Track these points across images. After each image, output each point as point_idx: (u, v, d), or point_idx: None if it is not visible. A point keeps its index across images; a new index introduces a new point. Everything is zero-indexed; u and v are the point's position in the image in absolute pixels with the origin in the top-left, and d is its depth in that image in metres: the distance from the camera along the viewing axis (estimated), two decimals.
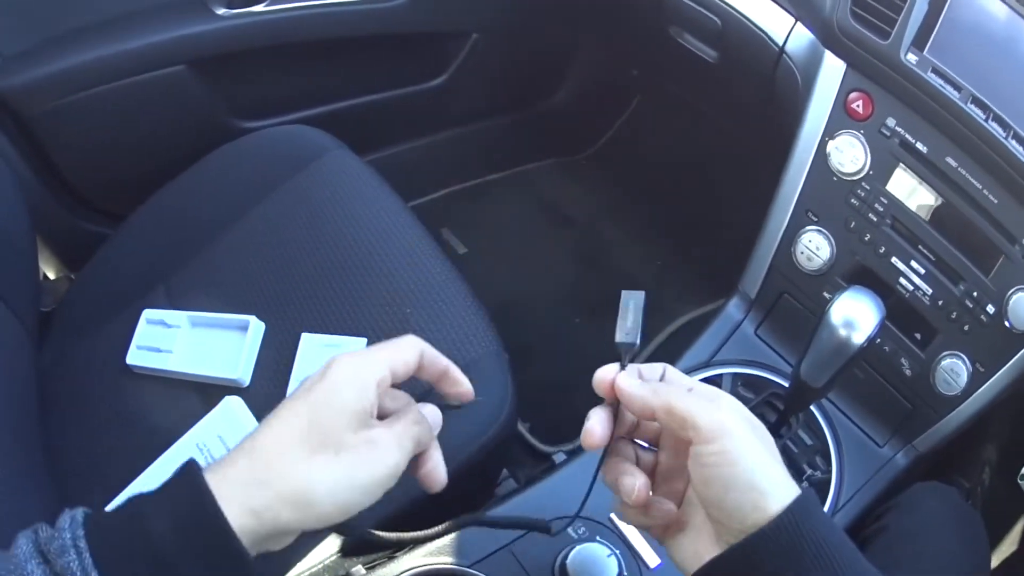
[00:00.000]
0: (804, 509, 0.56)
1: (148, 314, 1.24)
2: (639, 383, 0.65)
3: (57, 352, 1.34)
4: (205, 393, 1.17)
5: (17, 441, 1.11)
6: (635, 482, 0.64)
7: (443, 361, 0.68)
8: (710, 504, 0.59)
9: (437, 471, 0.67)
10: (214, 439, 1.09)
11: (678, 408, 0.60)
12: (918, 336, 1.12)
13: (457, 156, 2.17)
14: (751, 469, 0.57)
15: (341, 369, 0.60)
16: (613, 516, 0.95)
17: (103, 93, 1.48)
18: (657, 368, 0.69)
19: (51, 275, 1.67)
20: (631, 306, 0.69)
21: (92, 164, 1.60)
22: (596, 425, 0.65)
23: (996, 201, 0.99)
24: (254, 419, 1.10)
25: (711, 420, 0.58)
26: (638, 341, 0.67)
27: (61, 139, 1.53)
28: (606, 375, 0.66)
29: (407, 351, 0.64)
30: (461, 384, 0.69)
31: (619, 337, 0.68)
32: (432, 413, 0.67)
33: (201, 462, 1.02)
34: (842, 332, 0.91)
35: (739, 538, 0.57)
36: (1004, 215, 0.99)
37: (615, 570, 0.88)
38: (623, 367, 0.66)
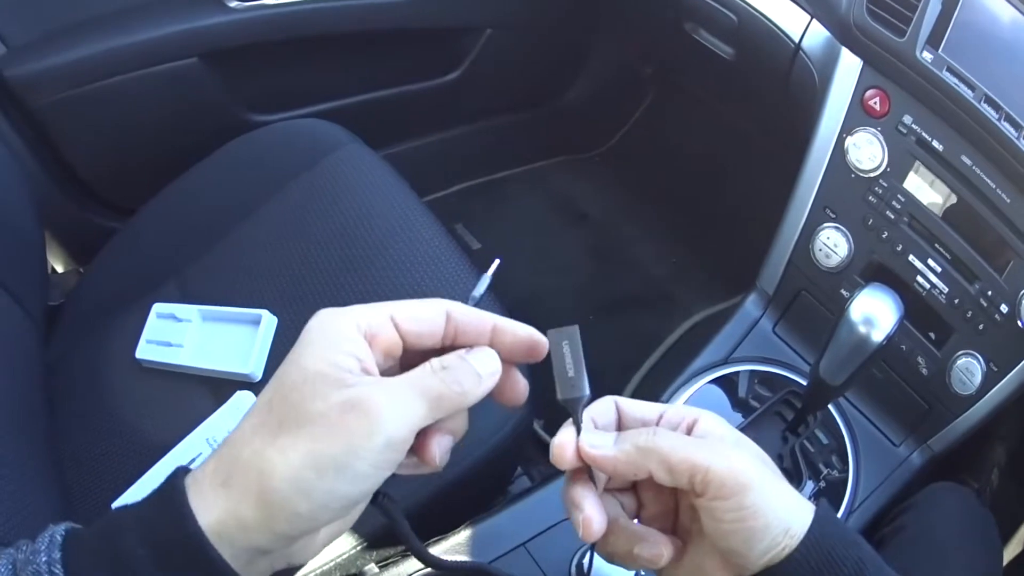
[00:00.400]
0: (827, 522, 0.53)
1: (158, 308, 1.23)
2: (612, 442, 0.54)
3: (65, 346, 1.33)
4: (216, 388, 1.16)
5: (23, 437, 1.10)
6: (581, 516, 0.54)
7: (487, 317, 0.54)
8: (728, 552, 0.53)
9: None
10: (224, 434, 1.07)
11: (680, 463, 0.51)
12: (934, 335, 1.11)
13: (471, 152, 2.16)
14: (778, 516, 0.51)
15: (314, 323, 0.51)
16: None
17: (113, 85, 1.48)
18: (620, 407, 0.58)
19: (60, 269, 1.66)
20: (566, 350, 0.55)
21: (102, 157, 1.59)
22: (567, 443, 0.54)
23: (1009, 200, 0.99)
24: None
25: (727, 471, 0.50)
26: (587, 391, 0.54)
27: (70, 132, 1.52)
28: (565, 445, 0.54)
29: (419, 304, 0.53)
30: (519, 334, 0.54)
31: (562, 394, 0.54)
32: (483, 359, 0.53)
33: None
34: (861, 329, 0.90)
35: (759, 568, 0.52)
36: (1016, 215, 0.99)
37: (631, 571, 0.87)
38: (578, 426, 0.54)
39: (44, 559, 0.46)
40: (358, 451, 0.47)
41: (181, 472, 0.49)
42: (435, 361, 0.51)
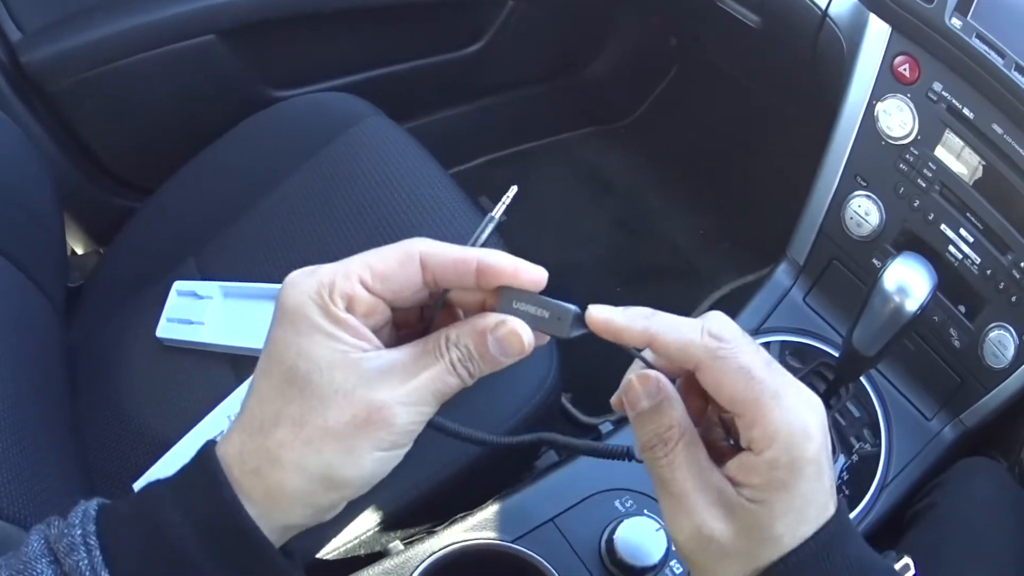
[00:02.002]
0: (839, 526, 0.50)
1: (179, 286, 1.23)
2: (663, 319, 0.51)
3: (86, 328, 1.33)
4: (237, 364, 1.15)
5: (44, 418, 1.10)
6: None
7: (469, 255, 0.49)
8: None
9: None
10: None
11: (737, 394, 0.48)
12: (967, 307, 1.10)
13: (494, 124, 2.15)
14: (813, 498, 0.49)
15: (290, 296, 0.48)
16: None
17: (130, 66, 1.47)
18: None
19: (79, 250, 1.66)
20: (523, 307, 0.50)
21: (120, 137, 1.59)
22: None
23: None
24: None
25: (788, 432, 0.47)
26: (571, 309, 0.50)
27: (87, 113, 1.52)
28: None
29: (385, 259, 0.49)
30: (505, 268, 0.50)
31: (562, 334, 0.51)
32: (511, 341, 0.50)
33: None
34: (895, 299, 0.89)
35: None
36: None
37: (663, 545, 0.86)
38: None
39: (79, 532, 0.46)
40: (385, 460, 0.48)
41: (211, 444, 0.49)
42: (454, 351, 0.50)
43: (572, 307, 0.50)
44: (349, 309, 0.48)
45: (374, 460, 0.48)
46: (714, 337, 0.49)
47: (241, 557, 0.47)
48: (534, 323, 0.50)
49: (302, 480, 0.47)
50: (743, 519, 0.49)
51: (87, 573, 0.45)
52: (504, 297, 0.50)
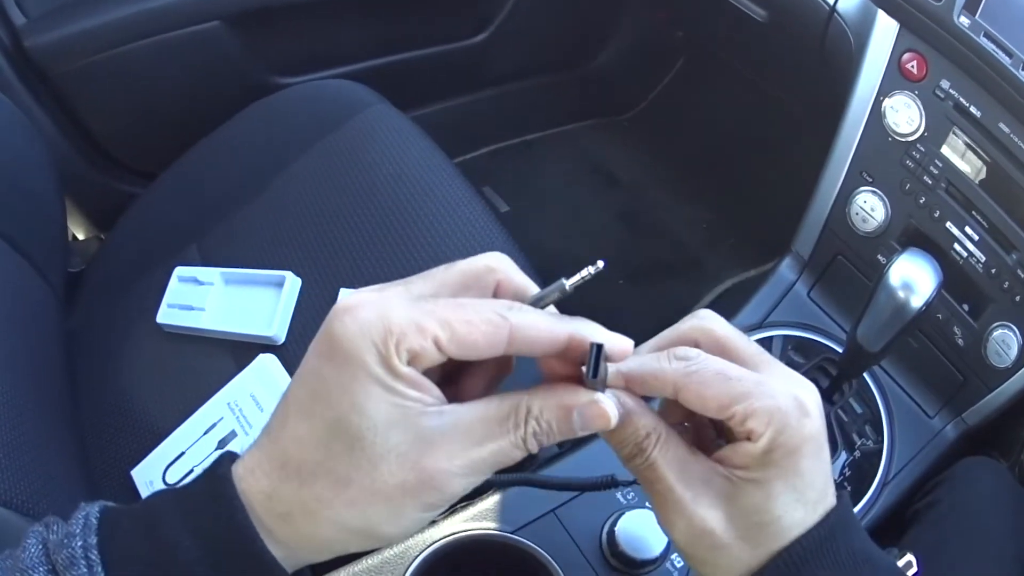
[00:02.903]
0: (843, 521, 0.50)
1: (180, 271, 1.22)
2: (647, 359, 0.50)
3: (86, 313, 1.33)
4: (238, 351, 1.15)
5: (42, 404, 1.10)
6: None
7: (561, 330, 0.46)
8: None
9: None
10: (246, 398, 1.07)
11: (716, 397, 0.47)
12: (971, 305, 1.09)
13: (499, 114, 2.14)
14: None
15: (345, 334, 0.43)
16: None
17: (134, 51, 1.47)
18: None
19: (80, 236, 1.66)
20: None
21: (122, 123, 1.58)
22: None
23: None
24: (288, 377, 1.08)
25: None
26: (563, 285, 0.48)
27: (91, 98, 1.51)
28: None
29: (475, 330, 0.43)
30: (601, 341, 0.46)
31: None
32: (597, 417, 0.47)
33: (232, 421, 1.01)
34: (900, 295, 0.89)
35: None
36: None
37: (665, 538, 0.85)
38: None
39: (80, 543, 0.44)
40: (414, 519, 0.45)
41: (225, 461, 0.47)
42: (532, 425, 0.45)
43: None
44: (411, 362, 0.43)
45: (416, 520, 0.45)
46: (680, 359, 0.49)
47: None
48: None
49: (337, 532, 0.45)
50: (736, 501, 0.48)
51: None
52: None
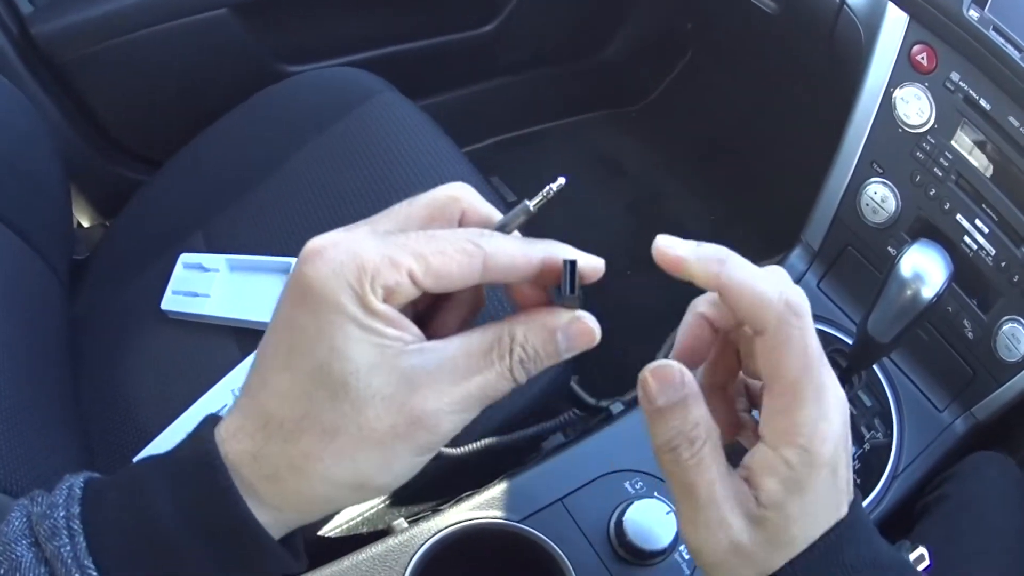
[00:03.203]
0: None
1: (185, 258, 1.22)
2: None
3: (90, 300, 1.33)
4: (242, 338, 1.15)
5: (45, 391, 1.10)
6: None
7: (534, 252, 0.44)
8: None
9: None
10: None
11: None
12: (981, 298, 1.09)
13: (507, 105, 2.14)
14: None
15: (317, 275, 0.41)
16: None
17: (141, 39, 1.46)
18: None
19: (85, 223, 1.66)
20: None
21: (129, 110, 1.58)
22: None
23: None
24: None
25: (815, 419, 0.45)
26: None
27: (96, 86, 1.51)
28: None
29: (448, 259, 0.42)
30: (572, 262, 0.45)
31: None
32: (581, 339, 0.45)
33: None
34: (912, 285, 0.88)
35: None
36: None
37: (673, 528, 0.84)
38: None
39: (62, 514, 0.43)
40: (406, 464, 0.43)
41: (207, 425, 0.45)
42: (518, 352, 0.44)
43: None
44: (386, 299, 0.42)
45: (409, 465, 0.44)
46: (791, 308, 0.45)
47: (238, 551, 0.44)
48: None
49: (328, 488, 0.43)
50: (764, 527, 0.46)
51: (69, 561, 0.42)
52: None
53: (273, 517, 0.44)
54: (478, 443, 0.82)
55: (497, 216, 0.47)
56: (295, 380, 0.42)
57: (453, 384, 0.43)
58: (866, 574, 0.48)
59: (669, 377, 0.46)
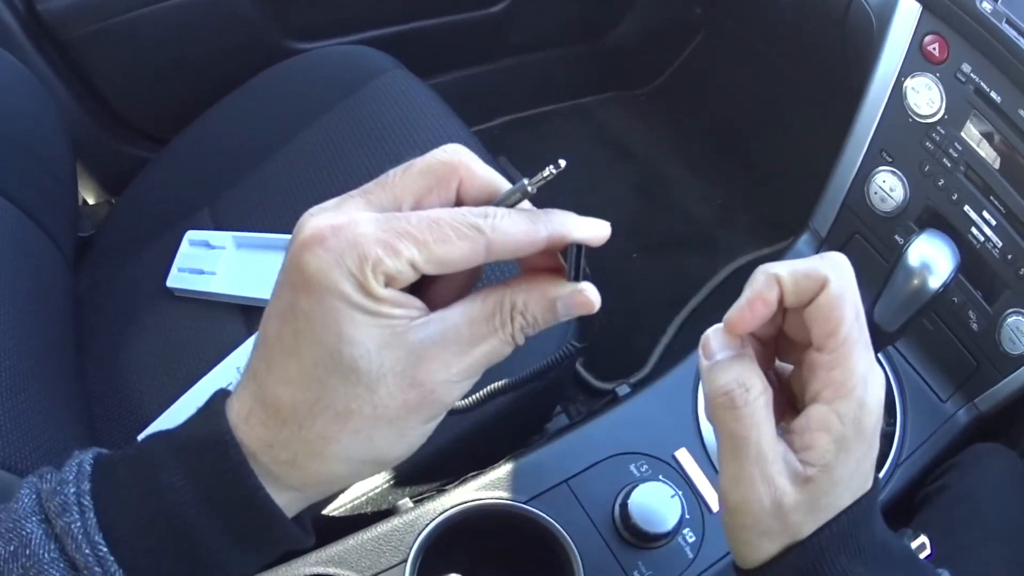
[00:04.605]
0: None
1: (191, 235, 1.22)
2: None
3: (95, 277, 1.33)
4: (248, 315, 1.15)
5: (50, 368, 1.10)
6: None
7: (539, 232, 0.44)
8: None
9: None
10: None
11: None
12: (986, 290, 1.09)
13: (516, 85, 2.13)
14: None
15: (318, 263, 0.41)
16: (677, 455, 0.92)
17: (147, 15, 1.46)
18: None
19: (91, 200, 1.65)
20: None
21: (136, 88, 1.58)
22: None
23: None
24: None
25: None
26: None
27: (103, 63, 1.51)
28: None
29: (449, 246, 0.42)
30: (577, 233, 0.45)
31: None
32: (583, 304, 0.46)
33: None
34: (919, 275, 0.88)
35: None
36: None
37: (678, 511, 0.85)
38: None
39: (72, 490, 0.43)
40: (417, 433, 0.45)
41: (218, 400, 0.46)
42: (519, 320, 0.45)
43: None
44: (387, 284, 0.42)
45: (420, 433, 0.46)
46: (836, 267, 0.50)
47: (250, 524, 0.44)
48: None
49: (345, 466, 0.44)
50: (808, 489, 0.48)
51: (80, 537, 0.42)
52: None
53: (291, 497, 0.45)
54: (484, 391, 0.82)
55: (498, 179, 0.47)
56: (303, 366, 0.42)
57: (459, 354, 0.44)
58: (882, 558, 0.50)
59: (729, 336, 0.50)
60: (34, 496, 0.44)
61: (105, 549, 0.42)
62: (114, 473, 0.44)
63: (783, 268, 0.50)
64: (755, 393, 0.48)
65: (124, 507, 0.43)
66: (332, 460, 0.44)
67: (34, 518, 0.43)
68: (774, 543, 0.50)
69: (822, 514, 0.48)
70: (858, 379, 0.48)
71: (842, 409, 0.47)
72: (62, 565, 0.42)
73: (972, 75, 1.05)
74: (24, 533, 0.42)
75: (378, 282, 0.41)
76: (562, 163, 0.45)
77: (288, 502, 0.45)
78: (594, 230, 0.46)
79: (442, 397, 0.44)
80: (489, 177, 0.47)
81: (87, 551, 0.42)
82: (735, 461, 0.49)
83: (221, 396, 0.46)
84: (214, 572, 0.44)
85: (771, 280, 0.50)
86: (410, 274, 0.42)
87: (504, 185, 0.47)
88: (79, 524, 0.42)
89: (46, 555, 0.42)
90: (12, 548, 0.42)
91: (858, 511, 0.49)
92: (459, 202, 0.46)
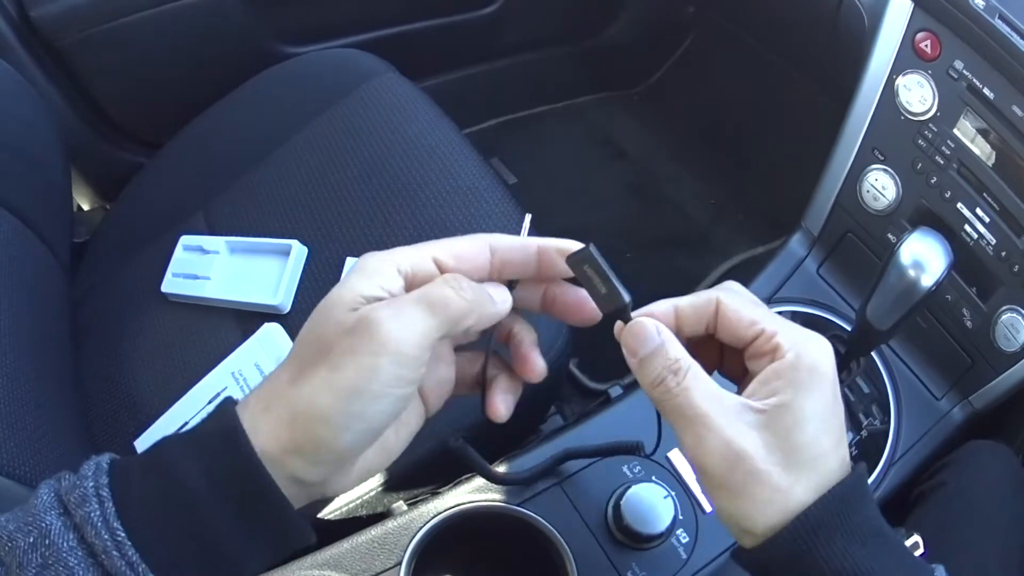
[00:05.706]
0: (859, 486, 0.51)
1: (185, 240, 1.22)
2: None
3: (90, 283, 1.33)
4: (243, 320, 1.15)
5: (46, 374, 1.10)
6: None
7: (530, 241, 0.55)
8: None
9: (527, 366, 0.58)
10: (251, 367, 1.07)
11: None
12: (980, 287, 1.09)
13: (508, 86, 2.14)
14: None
15: (360, 263, 0.51)
16: (670, 456, 0.92)
17: (140, 20, 1.45)
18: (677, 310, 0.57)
19: (86, 206, 1.66)
20: (589, 271, 0.53)
21: (129, 93, 1.57)
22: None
23: None
24: None
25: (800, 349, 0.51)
26: (625, 297, 0.53)
27: (96, 68, 1.50)
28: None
29: (460, 242, 0.53)
30: (564, 248, 0.54)
31: (603, 310, 0.55)
32: (496, 287, 0.54)
33: (236, 391, 1.01)
34: (911, 273, 0.88)
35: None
36: None
37: (671, 513, 0.85)
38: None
39: (91, 484, 0.46)
40: (368, 372, 0.47)
41: (230, 400, 0.49)
42: (446, 278, 0.51)
43: (625, 297, 0.53)
44: (411, 282, 0.51)
45: (392, 399, 0.48)
46: (722, 287, 0.57)
47: (263, 518, 0.47)
48: (589, 289, 0.53)
49: (309, 397, 0.47)
50: (769, 427, 0.50)
51: (99, 524, 0.44)
52: (573, 262, 0.53)
53: (307, 492, 0.49)
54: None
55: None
56: (336, 400, 0.47)
57: (395, 301, 0.49)
58: (878, 541, 0.50)
59: (644, 333, 0.53)
60: (52, 493, 0.46)
61: (123, 534, 0.44)
62: (130, 468, 0.47)
63: (679, 300, 0.56)
64: (683, 372, 0.52)
65: (141, 500, 0.45)
66: (356, 474, 0.53)
67: (53, 512, 0.45)
68: (762, 511, 0.50)
69: (806, 467, 0.49)
70: (797, 336, 0.52)
71: (788, 356, 0.51)
72: (80, 553, 0.44)
73: (965, 72, 1.04)
74: (44, 525, 0.44)
75: (399, 272, 0.51)
76: (528, 216, 0.62)
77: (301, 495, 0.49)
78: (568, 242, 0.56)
79: (377, 326, 0.48)
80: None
81: (105, 536, 0.44)
82: (688, 429, 0.51)
83: (230, 402, 0.50)
84: (227, 556, 0.47)
85: (668, 308, 0.56)
86: (431, 268, 0.52)
87: None
88: (98, 512, 0.44)
89: (65, 544, 0.44)
90: (32, 539, 0.44)
91: (847, 489, 0.50)
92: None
